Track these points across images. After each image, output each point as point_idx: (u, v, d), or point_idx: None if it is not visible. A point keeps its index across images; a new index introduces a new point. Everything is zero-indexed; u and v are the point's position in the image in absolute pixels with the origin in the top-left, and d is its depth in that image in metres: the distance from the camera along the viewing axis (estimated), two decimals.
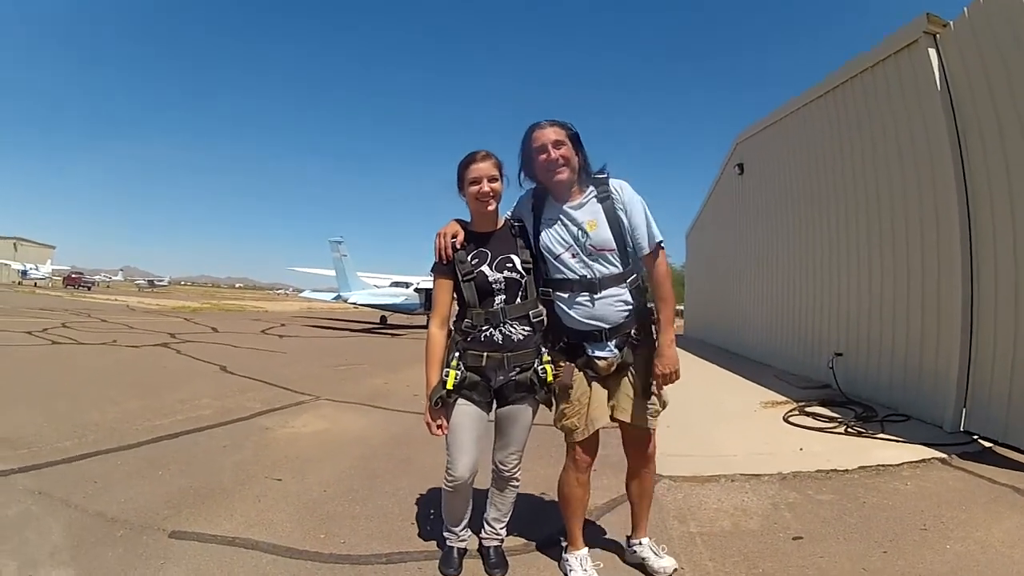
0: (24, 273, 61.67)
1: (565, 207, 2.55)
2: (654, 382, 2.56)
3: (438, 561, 2.75)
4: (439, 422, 2.55)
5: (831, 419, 5.89)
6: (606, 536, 3.15)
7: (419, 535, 3.11)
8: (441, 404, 2.51)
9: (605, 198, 2.55)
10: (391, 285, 25.91)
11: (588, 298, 2.50)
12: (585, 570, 2.63)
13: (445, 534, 2.76)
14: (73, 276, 60.80)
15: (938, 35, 5.70)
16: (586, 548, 2.73)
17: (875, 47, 6.83)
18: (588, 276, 2.50)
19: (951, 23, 5.55)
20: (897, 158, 6.53)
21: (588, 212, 2.54)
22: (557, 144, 2.48)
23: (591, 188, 2.58)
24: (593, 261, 2.50)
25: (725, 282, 14.93)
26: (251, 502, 3.44)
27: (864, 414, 5.98)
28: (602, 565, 2.76)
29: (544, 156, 2.48)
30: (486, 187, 2.51)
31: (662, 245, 2.59)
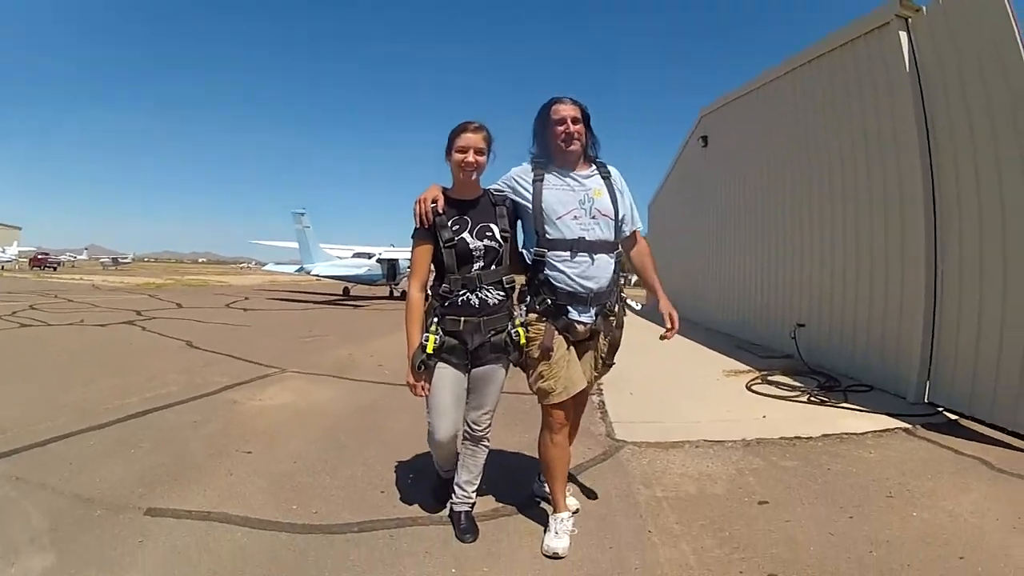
0: None
1: (574, 174, 2.75)
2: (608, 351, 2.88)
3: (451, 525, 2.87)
4: (421, 384, 2.62)
5: (794, 388, 6.03)
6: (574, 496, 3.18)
7: (389, 503, 3.15)
8: (423, 368, 2.58)
9: (606, 176, 2.81)
10: (353, 256, 25.42)
11: (587, 258, 2.66)
12: (558, 534, 2.66)
13: (453, 499, 2.88)
14: (39, 257, 58.66)
15: (910, 19, 5.73)
16: (567, 511, 2.80)
17: (844, 27, 6.85)
18: (587, 237, 2.66)
19: (924, 8, 5.58)
20: (862, 135, 6.61)
21: (594, 182, 2.76)
22: (575, 120, 2.69)
23: (593, 166, 2.82)
24: (594, 224, 2.69)
25: (687, 253, 15.03)
26: (223, 476, 3.43)
27: (827, 384, 6.10)
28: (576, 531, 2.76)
29: (563, 128, 2.67)
30: (471, 157, 2.59)
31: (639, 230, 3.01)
